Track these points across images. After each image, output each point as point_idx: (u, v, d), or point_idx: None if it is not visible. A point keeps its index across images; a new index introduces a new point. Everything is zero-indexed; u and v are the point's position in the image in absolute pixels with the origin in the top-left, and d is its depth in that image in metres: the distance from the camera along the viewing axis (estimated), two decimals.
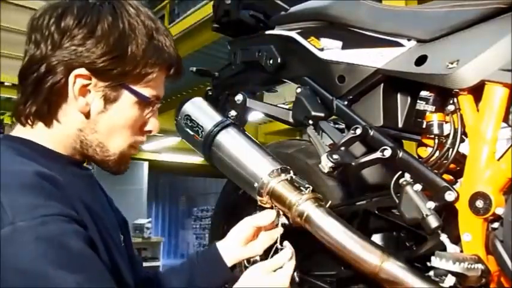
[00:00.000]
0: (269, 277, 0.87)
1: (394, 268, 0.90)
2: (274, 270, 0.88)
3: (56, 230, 0.63)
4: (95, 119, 0.80)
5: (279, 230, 1.00)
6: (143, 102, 0.83)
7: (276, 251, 0.96)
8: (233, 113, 1.25)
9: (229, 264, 1.03)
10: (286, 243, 0.95)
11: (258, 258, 1.06)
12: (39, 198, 0.65)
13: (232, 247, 1.04)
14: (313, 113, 1.11)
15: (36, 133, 0.80)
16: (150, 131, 0.88)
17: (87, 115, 0.80)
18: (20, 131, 0.82)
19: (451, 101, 0.93)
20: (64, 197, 0.69)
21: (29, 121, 0.80)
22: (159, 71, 0.83)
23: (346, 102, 1.10)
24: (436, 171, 0.93)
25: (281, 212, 1.02)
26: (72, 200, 0.72)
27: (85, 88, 0.78)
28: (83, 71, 0.76)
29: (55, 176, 0.71)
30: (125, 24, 0.78)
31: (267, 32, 1.30)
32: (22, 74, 0.79)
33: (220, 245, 1.05)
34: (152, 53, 0.81)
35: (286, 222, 1.01)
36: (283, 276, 0.88)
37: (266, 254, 1.04)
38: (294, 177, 1.05)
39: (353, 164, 0.98)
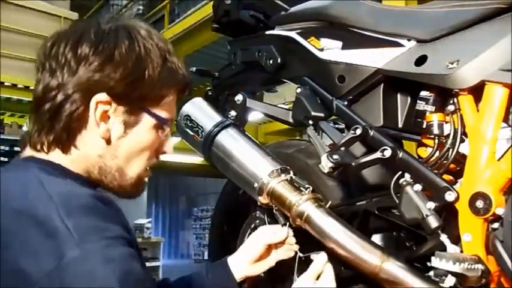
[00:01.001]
0: (318, 284, 0.91)
1: (394, 268, 0.90)
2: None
3: (120, 253, 0.65)
4: (115, 144, 0.79)
5: (295, 246, 1.02)
6: (160, 124, 0.83)
7: (300, 259, 0.99)
8: (233, 113, 1.25)
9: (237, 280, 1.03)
10: (322, 253, 0.96)
11: (261, 274, 1.06)
12: (100, 220, 0.67)
13: (241, 264, 1.03)
14: (313, 113, 1.11)
15: (53, 158, 0.79)
16: (164, 152, 0.88)
17: (108, 141, 0.79)
18: (35, 155, 0.79)
19: (451, 101, 0.93)
20: (117, 217, 0.71)
21: (44, 148, 0.78)
22: (173, 92, 0.84)
23: (346, 103, 1.10)
24: (436, 171, 0.92)
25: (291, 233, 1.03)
26: (123, 221, 0.74)
27: (106, 114, 0.77)
28: (103, 96, 0.76)
29: (109, 198, 0.73)
30: (141, 47, 0.78)
31: (267, 32, 1.30)
32: (36, 103, 0.78)
33: (231, 261, 1.04)
34: (167, 75, 0.81)
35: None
36: (328, 278, 0.92)
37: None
38: (293, 177, 1.05)
39: (353, 164, 0.98)
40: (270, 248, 1.04)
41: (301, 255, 0.99)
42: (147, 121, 0.81)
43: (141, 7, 6.05)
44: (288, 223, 1.04)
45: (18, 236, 0.64)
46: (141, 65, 0.78)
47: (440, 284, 0.85)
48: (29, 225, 0.64)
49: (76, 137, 0.78)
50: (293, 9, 1.27)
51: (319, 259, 0.94)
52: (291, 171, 1.06)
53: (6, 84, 6.74)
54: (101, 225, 0.66)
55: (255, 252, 1.03)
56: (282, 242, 1.03)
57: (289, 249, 1.04)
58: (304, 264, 0.99)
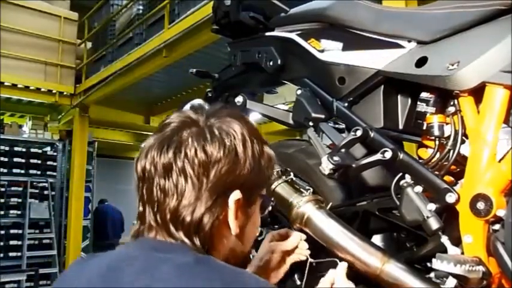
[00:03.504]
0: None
1: (395, 270, 0.90)
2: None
3: None
4: (241, 234, 0.77)
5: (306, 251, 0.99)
6: (267, 204, 0.85)
7: (311, 265, 0.97)
8: None
9: None
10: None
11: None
12: None
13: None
14: (314, 115, 1.11)
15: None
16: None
17: (237, 234, 0.76)
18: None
19: (452, 103, 0.93)
20: None
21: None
22: None
23: (346, 104, 1.10)
24: (436, 172, 0.92)
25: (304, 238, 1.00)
26: None
27: (239, 211, 0.75)
28: (238, 194, 0.73)
29: None
30: (253, 139, 0.78)
31: (267, 34, 1.29)
32: (172, 217, 0.72)
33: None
34: (269, 158, 0.81)
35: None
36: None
37: None
38: (294, 178, 1.05)
39: (353, 165, 0.98)
40: (284, 255, 0.99)
41: (312, 260, 0.97)
42: (258, 203, 0.81)
43: (141, 7, 6.03)
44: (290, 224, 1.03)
45: None
46: (258, 156, 0.77)
47: (441, 286, 0.85)
48: None
49: (213, 242, 0.74)
50: (293, 10, 1.27)
51: (341, 266, 0.90)
52: (291, 173, 1.06)
53: (6, 84, 6.73)
54: None
55: (270, 263, 0.98)
56: (295, 247, 0.99)
57: (300, 254, 0.99)
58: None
